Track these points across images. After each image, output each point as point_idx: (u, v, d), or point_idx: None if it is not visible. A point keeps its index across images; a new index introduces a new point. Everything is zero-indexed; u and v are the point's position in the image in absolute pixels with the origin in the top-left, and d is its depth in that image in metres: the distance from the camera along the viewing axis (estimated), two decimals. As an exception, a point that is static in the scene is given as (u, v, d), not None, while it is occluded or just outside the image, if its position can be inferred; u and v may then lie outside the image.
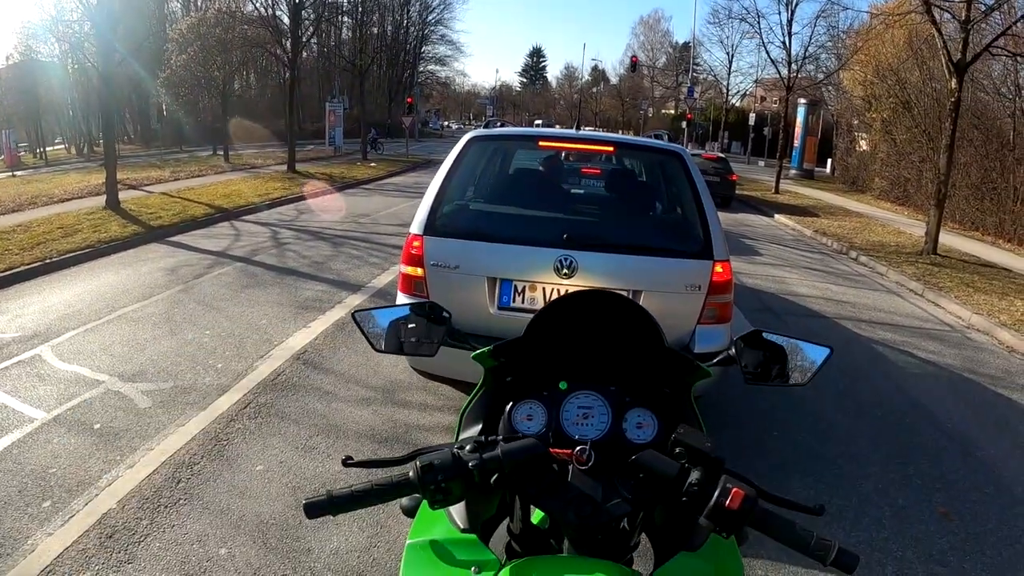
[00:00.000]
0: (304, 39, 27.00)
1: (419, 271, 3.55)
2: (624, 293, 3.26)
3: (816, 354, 1.39)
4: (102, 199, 13.76)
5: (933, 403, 4.97)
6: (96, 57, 14.65)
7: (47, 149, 44.67)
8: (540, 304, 3.35)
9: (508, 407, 1.28)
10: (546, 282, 3.37)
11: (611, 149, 4.16)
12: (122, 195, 13.94)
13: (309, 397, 4.45)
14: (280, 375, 4.81)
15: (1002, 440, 4.46)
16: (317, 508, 1.01)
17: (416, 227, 3.60)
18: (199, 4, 43.37)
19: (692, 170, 3.70)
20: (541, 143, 4.12)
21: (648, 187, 4.63)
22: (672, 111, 61.23)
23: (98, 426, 4.15)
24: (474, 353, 1.38)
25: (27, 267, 8.53)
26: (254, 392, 4.52)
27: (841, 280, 9.45)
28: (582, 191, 4.68)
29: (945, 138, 11.23)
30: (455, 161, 3.77)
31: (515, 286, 3.42)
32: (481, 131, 4.08)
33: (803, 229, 14.39)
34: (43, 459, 3.80)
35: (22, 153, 41.24)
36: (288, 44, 24.13)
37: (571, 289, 3.26)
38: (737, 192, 19.04)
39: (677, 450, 1.11)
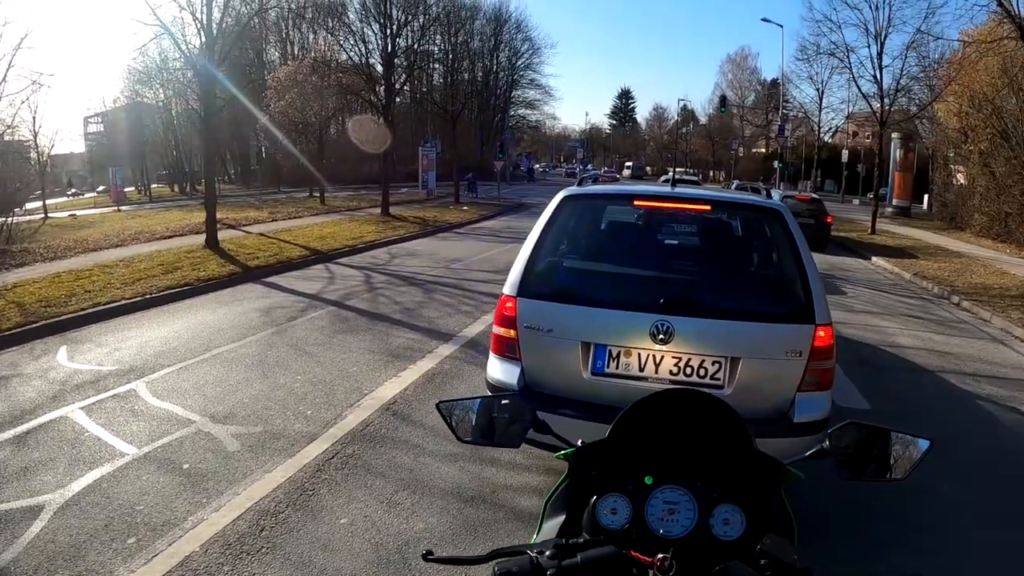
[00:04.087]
0: (397, 86, 28.01)
1: (512, 332, 3.51)
2: (721, 360, 3.22)
3: (915, 446, 1.35)
4: (202, 237, 14.43)
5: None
6: (198, 101, 15.61)
7: (151, 186, 47.95)
8: (635, 369, 3.31)
9: (592, 500, 1.28)
10: (641, 347, 3.27)
11: (708, 208, 4.01)
12: (221, 234, 14.63)
13: (397, 450, 4.48)
14: (369, 425, 4.88)
15: None
16: None
17: (509, 288, 3.56)
18: (296, 53, 45.85)
19: (793, 229, 3.56)
20: (636, 202, 4.07)
21: (745, 243, 4.48)
22: (763, 150, 60.42)
23: (187, 466, 4.29)
24: (558, 454, 1.39)
25: (128, 301, 8.95)
26: (342, 442, 4.58)
27: (943, 328, 8.95)
28: (675, 242, 4.59)
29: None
30: (548, 220, 3.72)
31: (610, 351, 3.34)
32: (574, 189, 4.05)
33: (902, 272, 13.79)
34: (131, 495, 3.93)
35: (127, 189, 44.31)
36: (382, 91, 25.04)
37: (666, 355, 3.24)
38: (832, 234, 18.42)
39: (763, 561, 1.10)
